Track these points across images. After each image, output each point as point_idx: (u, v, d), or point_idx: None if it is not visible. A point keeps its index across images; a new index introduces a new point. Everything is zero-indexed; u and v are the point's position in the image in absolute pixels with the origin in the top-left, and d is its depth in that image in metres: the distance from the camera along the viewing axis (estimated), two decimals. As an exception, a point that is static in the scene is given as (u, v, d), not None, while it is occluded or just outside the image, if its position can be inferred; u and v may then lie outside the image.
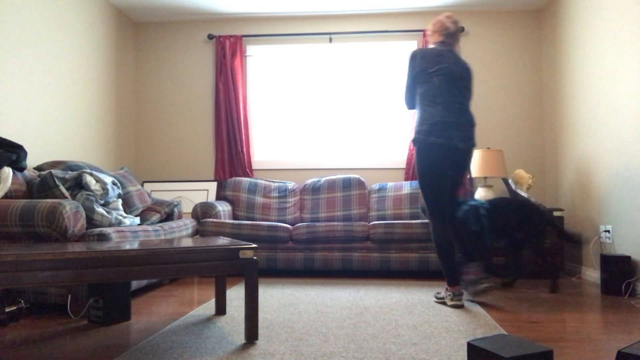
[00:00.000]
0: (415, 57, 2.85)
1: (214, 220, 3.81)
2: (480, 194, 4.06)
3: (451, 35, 2.91)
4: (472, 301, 2.86)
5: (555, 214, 3.69)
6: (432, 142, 2.70)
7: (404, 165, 4.50)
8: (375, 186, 4.29)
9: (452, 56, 2.84)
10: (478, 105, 4.52)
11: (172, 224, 3.41)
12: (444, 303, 2.80)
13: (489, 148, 4.12)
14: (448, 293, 2.74)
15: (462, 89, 2.80)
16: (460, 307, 2.70)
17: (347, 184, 4.26)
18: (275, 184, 4.40)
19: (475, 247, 2.98)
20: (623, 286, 3.02)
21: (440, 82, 2.76)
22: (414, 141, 2.79)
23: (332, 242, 3.72)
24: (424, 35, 4.45)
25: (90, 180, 2.92)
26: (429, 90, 2.77)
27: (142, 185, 4.57)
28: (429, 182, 2.74)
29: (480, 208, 3.04)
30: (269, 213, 4.24)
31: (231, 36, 4.63)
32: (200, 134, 4.75)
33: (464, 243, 3.00)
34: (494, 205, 3.15)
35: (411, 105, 2.93)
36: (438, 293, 2.87)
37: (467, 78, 2.85)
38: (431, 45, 2.95)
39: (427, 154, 2.73)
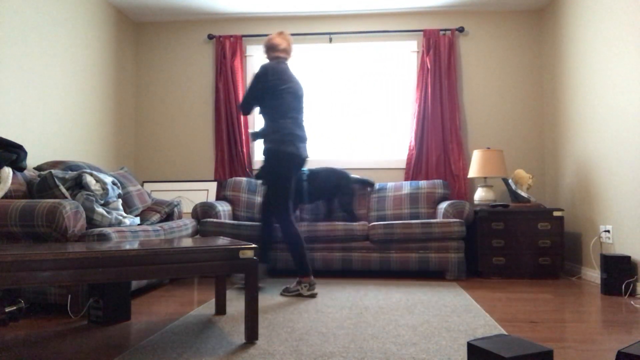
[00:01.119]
0: (267, 72, 3.06)
1: (214, 220, 3.81)
2: (480, 194, 4.06)
3: (288, 52, 3.20)
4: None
5: (555, 214, 3.70)
6: (283, 151, 3.00)
7: (404, 165, 4.51)
8: (375, 186, 4.29)
9: (292, 74, 3.15)
10: (478, 105, 4.52)
11: (172, 224, 3.41)
12: (299, 295, 3.00)
13: (489, 148, 4.12)
14: (304, 284, 2.98)
15: (302, 107, 3.18)
16: (315, 296, 2.98)
17: (347, 184, 4.26)
18: (275, 184, 4.40)
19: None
20: (623, 286, 3.02)
21: (290, 99, 3.08)
22: (268, 150, 3.03)
23: (332, 242, 3.72)
24: (424, 35, 4.46)
25: (90, 180, 2.92)
26: (281, 105, 3.06)
27: (142, 185, 4.57)
28: (281, 184, 3.03)
29: (301, 176, 3.93)
30: (269, 213, 4.24)
31: (231, 36, 4.63)
32: (200, 134, 4.75)
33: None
34: (312, 172, 4.00)
35: (248, 112, 3.17)
36: (286, 288, 3.05)
37: (303, 96, 3.22)
38: (272, 61, 3.16)
39: (279, 161, 3.02)
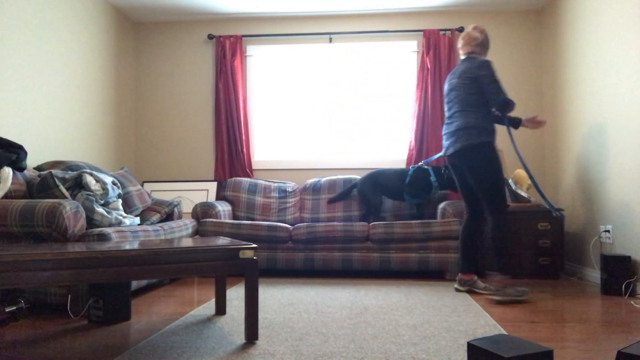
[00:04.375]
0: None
1: (214, 220, 3.81)
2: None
3: (478, 44, 3.08)
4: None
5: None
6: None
7: (404, 165, 4.50)
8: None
9: (455, 70, 3.09)
10: (478, 105, 4.52)
11: (172, 224, 3.41)
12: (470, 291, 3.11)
13: (489, 148, 4.12)
14: (465, 281, 3.11)
15: (452, 100, 3.06)
16: (459, 290, 3.13)
17: (348, 184, 4.26)
18: (275, 184, 4.40)
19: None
20: (623, 286, 3.02)
21: (446, 98, 3.15)
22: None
23: (332, 242, 3.72)
24: (424, 35, 4.46)
25: (90, 180, 2.92)
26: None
27: (142, 185, 4.57)
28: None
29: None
30: (269, 213, 4.24)
31: (231, 36, 4.63)
32: (200, 134, 4.75)
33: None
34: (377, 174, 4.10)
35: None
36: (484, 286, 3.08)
37: (458, 86, 3.01)
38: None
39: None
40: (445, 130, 3.11)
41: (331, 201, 4.22)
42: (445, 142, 3.10)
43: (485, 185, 2.92)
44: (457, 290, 3.15)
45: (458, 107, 3.01)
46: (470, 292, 3.11)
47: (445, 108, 3.15)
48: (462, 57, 3.12)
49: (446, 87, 3.14)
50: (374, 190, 4.02)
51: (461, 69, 3.03)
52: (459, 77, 3.02)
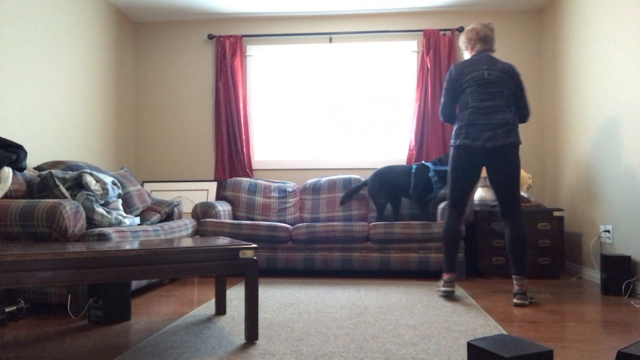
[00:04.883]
0: (450, 74, 3.04)
1: (214, 220, 3.81)
2: (480, 194, 4.06)
3: (485, 40, 3.05)
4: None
5: (555, 214, 3.69)
6: (454, 145, 2.96)
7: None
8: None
9: (488, 62, 2.96)
10: (478, 105, 4.52)
11: (172, 224, 3.41)
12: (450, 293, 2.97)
13: (489, 148, 4.12)
14: (441, 280, 3.01)
15: (495, 92, 2.89)
16: (444, 295, 2.95)
17: (348, 184, 4.26)
18: (275, 184, 4.40)
19: None
20: (623, 286, 3.02)
21: (472, 89, 2.94)
22: (451, 146, 3.02)
23: (332, 242, 3.72)
24: (424, 35, 4.46)
25: (90, 180, 2.92)
26: (463, 98, 2.97)
27: (142, 185, 4.57)
28: (450, 179, 3.01)
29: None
30: (269, 213, 4.24)
31: (231, 36, 4.63)
32: (200, 134, 4.75)
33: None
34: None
35: (448, 118, 3.09)
36: (446, 284, 2.99)
37: (500, 81, 2.90)
38: (467, 57, 3.12)
39: (451, 156, 2.99)
40: (480, 119, 2.85)
41: (343, 201, 4.20)
42: (483, 133, 2.83)
43: (517, 185, 2.89)
44: (452, 293, 2.96)
45: (502, 102, 2.87)
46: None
47: (478, 97, 2.89)
48: (483, 51, 3.02)
49: (478, 74, 2.91)
50: (380, 189, 3.99)
51: (500, 65, 2.93)
52: (500, 72, 2.90)
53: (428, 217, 3.91)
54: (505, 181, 2.85)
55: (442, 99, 3.07)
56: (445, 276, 2.97)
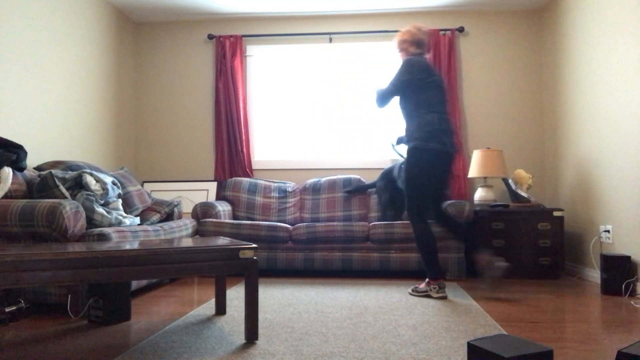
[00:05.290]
0: (412, 65, 2.99)
1: (214, 220, 3.81)
2: (480, 194, 4.06)
3: (428, 48, 3.17)
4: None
5: (555, 214, 3.69)
6: (428, 148, 2.92)
7: (403, 165, 4.50)
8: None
9: (434, 68, 3.08)
10: (478, 105, 4.52)
11: (172, 224, 3.41)
12: (427, 296, 2.98)
13: (489, 148, 4.12)
14: (433, 286, 2.94)
15: (446, 99, 3.07)
16: (445, 298, 2.93)
17: (348, 184, 4.26)
18: (275, 184, 4.40)
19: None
20: (623, 286, 3.02)
21: (436, 92, 3.00)
22: (415, 148, 2.95)
23: (332, 242, 3.72)
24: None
25: (90, 180, 2.92)
26: (426, 99, 2.98)
27: (142, 185, 4.57)
28: (420, 182, 2.96)
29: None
30: (269, 213, 4.24)
31: (231, 36, 4.63)
32: (200, 134, 4.75)
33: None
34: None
35: (384, 105, 3.12)
36: (415, 287, 3.04)
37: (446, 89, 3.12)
38: (413, 55, 3.12)
39: (423, 158, 2.94)
40: (445, 126, 2.95)
41: (348, 191, 4.21)
42: (448, 139, 2.94)
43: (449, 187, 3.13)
44: (445, 297, 2.94)
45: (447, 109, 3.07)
46: (428, 296, 2.98)
47: (442, 102, 3.00)
48: (419, 54, 3.10)
49: (438, 82, 3.01)
50: (384, 187, 4.03)
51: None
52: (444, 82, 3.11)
53: (396, 219, 3.96)
54: (448, 185, 3.09)
55: (392, 89, 3.01)
56: (439, 281, 2.95)
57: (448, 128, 2.96)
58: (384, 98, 3.07)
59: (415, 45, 3.09)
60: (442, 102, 3.01)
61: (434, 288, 2.94)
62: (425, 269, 3.00)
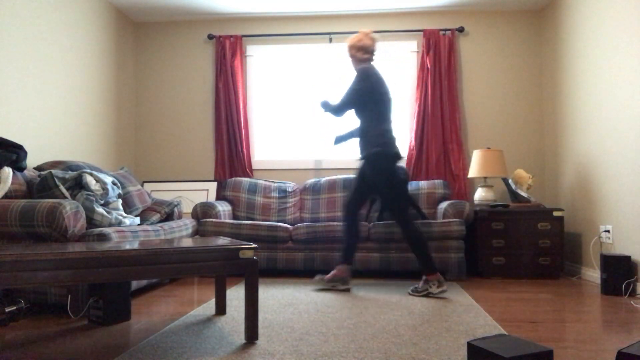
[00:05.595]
0: (369, 76, 3.09)
1: (214, 220, 3.81)
2: (480, 194, 4.06)
3: (374, 53, 3.23)
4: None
5: (555, 214, 3.69)
6: (391, 153, 3.08)
7: (403, 165, 4.50)
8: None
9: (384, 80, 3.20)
10: (478, 105, 4.52)
11: (172, 224, 3.41)
12: (428, 294, 2.98)
13: (489, 148, 4.12)
14: (432, 282, 2.97)
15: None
16: (445, 291, 2.99)
17: (348, 184, 4.26)
18: (275, 184, 4.40)
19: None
20: (623, 286, 3.02)
21: (389, 105, 3.17)
22: (377, 153, 3.06)
23: (332, 242, 3.72)
24: (424, 35, 4.46)
25: (90, 180, 2.92)
26: (385, 110, 3.14)
27: (142, 185, 4.57)
28: (393, 186, 3.07)
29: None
30: (269, 213, 4.24)
31: (231, 36, 4.63)
32: (200, 134, 4.75)
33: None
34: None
35: (342, 115, 3.20)
36: (415, 288, 3.05)
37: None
38: (365, 64, 3.20)
39: (389, 163, 3.08)
40: (392, 134, 3.16)
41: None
42: (397, 148, 3.16)
43: None
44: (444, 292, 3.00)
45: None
46: (428, 295, 3.00)
47: (390, 112, 3.19)
48: (367, 61, 3.20)
49: (389, 95, 3.17)
50: (366, 192, 4.01)
51: None
52: None
53: (425, 217, 3.91)
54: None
55: (349, 98, 3.12)
56: (437, 275, 2.98)
57: (395, 137, 3.19)
58: (340, 109, 3.16)
59: (362, 50, 3.18)
60: (391, 112, 3.20)
61: (434, 284, 2.96)
62: (422, 267, 3.02)
